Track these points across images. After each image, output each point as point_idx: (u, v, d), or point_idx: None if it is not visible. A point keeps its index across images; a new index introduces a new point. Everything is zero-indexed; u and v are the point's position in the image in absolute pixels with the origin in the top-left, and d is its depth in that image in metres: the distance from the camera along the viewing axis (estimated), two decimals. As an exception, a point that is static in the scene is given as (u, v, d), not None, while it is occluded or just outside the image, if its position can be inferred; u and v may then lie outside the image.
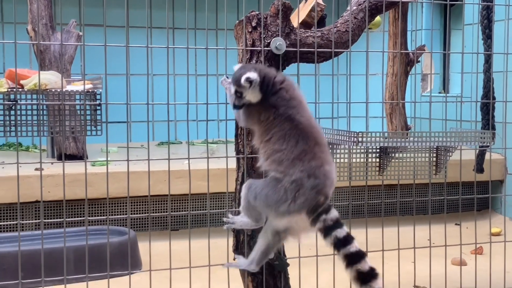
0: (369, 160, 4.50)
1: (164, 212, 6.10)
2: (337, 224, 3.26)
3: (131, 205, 6.06)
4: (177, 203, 6.14)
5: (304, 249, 3.79)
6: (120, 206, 6.09)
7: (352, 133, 4.16)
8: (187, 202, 5.92)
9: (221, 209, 6.11)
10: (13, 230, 6.26)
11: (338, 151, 4.31)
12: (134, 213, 6.09)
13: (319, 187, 3.24)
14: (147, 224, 6.66)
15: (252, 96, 3.30)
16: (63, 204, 3.45)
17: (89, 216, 3.61)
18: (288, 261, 3.82)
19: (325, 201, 3.27)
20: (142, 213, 6.73)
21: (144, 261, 5.23)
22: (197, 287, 3.82)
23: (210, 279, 3.71)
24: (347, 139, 4.20)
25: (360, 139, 4.14)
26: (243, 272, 3.81)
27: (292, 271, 3.87)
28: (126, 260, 3.78)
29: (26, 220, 5.87)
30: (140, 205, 6.14)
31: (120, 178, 5.59)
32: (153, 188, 3.62)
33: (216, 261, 3.69)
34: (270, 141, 3.29)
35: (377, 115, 6.59)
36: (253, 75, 3.28)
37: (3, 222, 5.70)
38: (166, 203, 6.08)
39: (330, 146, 4.23)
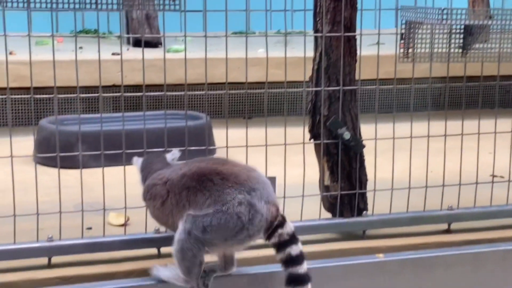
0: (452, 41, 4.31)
1: (239, 99, 6.13)
2: (293, 238, 3.14)
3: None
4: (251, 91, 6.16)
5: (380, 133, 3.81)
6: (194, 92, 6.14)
7: (436, 9, 3.99)
8: (261, 91, 5.94)
9: (296, 98, 6.12)
10: (93, 111, 6.46)
11: (420, 30, 4.14)
12: (208, 100, 6.14)
13: (265, 197, 3.11)
14: (222, 111, 6.74)
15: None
16: (143, 87, 3.50)
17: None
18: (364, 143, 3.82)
19: (277, 213, 3.16)
20: (216, 100, 6.81)
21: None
22: (273, 171, 3.89)
23: (285, 162, 3.75)
24: (430, 17, 4.02)
25: (444, 16, 3.95)
26: (318, 154, 3.84)
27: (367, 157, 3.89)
28: (200, 144, 3.85)
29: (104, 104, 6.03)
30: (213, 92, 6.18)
31: (195, 64, 5.61)
32: (228, 75, 3.66)
33: (291, 147, 3.72)
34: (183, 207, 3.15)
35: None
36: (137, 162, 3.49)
37: (84, 104, 5.87)
38: (240, 91, 6.09)
39: (412, 25, 4.06)
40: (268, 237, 3.13)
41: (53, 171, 4.70)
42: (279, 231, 3.11)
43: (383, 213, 3.92)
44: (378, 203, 3.90)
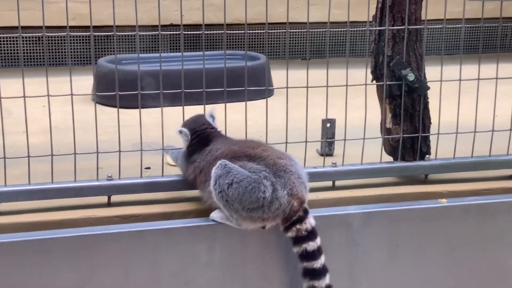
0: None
1: (297, 39, 6.01)
2: (311, 235, 3.05)
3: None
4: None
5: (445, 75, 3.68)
6: (255, 31, 6.04)
7: None
8: (321, 32, 5.80)
9: (357, 39, 5.96)
10: (151, 51, 6.44)
11: None
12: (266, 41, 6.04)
13: (289, 188, 3.05)
14: (279, 52, 6.63)
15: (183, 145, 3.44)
16: (203, 26, 3.43)
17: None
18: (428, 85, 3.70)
19: (300, 207, 3.07)
20: (273, 40, 6.69)
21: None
22: (333, 113, 3.81)
23: (346, 104, 3.66)
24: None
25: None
26: (381, 96, 3.75)
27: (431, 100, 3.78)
28: (258, 84, 3.78)
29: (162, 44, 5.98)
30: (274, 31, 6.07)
31: (254, 2, 5.49)
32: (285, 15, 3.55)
33: (352, 89, 3.63)
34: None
35: None
36: (184, 131, 3.39)
37: (141, 43, 5.84)
38: (298, 32, 5.98)
39: None
40: (285, 230, 3.10)
41: (112, 110, 4.74)
42: (297, 226, 3.07)
43: (447, 158, 3.81)
44: (442, 148, 3.79)
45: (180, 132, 3.40)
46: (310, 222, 3.09)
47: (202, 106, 3.52)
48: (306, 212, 3.09)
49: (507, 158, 3.84)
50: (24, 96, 3.34)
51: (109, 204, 3.48)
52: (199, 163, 3.32)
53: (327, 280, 3.08)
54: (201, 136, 3.40)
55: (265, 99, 3.73)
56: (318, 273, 3.05)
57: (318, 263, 3.06)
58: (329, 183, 3.71)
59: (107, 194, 3.47)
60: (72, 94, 3.40)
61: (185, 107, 3.58)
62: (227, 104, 3.52)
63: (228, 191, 3.04)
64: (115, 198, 3.50)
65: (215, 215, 3.21)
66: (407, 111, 3.72)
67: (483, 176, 3.85)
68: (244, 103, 3.54)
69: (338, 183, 3.73)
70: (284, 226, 3.09)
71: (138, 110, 3.49)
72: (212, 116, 3.49)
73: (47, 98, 3.38)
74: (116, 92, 3.43)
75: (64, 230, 3.18)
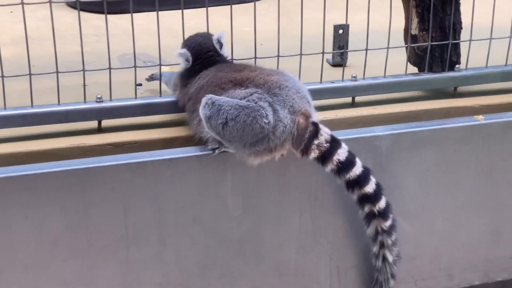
0: None
1: None
2: (334, 143, 2.68)
3: None
4: None
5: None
6: None
7: None
8: None
9: None
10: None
11: None
12: None
13: (289, 105, 2.63)
14: None
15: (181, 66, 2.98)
16: None
17: None
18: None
19: (307, 122, 2.64)
20: None
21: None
22: (340, 16, 3.34)
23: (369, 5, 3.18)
24: None
25: None
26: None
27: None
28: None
29: None
30: None
31: None
32: None
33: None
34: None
35: None
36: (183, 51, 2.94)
37: None
38: None
39: None
40: (305, 153, 2.69)
41: (90, 16, 4.19)
42: (315, 142, 2.67)
43: (478, 67, 3.40)
44: (473, 56, 3.36)
45: (181, 54, 2.94)
46: (326, 131, 2.71)
47: (181, 11, 2.97)
48: (316, 125, 2.69)
49: (546, 66, 3.45)
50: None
51: (99, 130, 3.01)
52: (189, 88, 2.90)
53: (373, 180, 2.76)
54: (205, 64, 2.94)
55: (259, 2, 3.21)
56: (364, 178, 2.72)
57: (358, 168, 2.72)
58: (349, 100, 3.27)
59: (97, 118, 2.99)
60: (50, 1, 2.85)
61: (169, 11, 3.12)
62: (216, 8, 3.04)
63: (224, 131, 2.61)
64: (106, 122, 3.03)
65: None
66: (436, 15, 3.26)
67: (519, 87, 3.47)
68: (236, 6, 3.05)
69: (358, 99, 3.29)
70: (301, 150, 2.69)
71: (118, 16, 2.95)
72: (220, 43, 3.00)
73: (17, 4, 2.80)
74: (103, -5, 2.88)
75: (51, 164, 2.72)
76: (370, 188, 2.75)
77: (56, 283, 2.76)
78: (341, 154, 2.70)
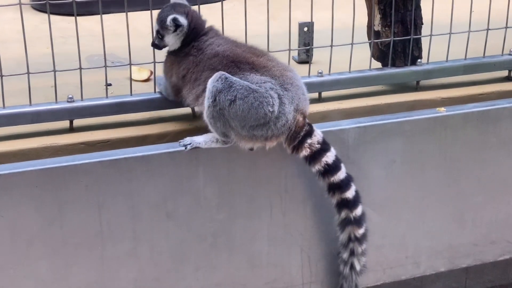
0: None
1: None
2: (325, 146, 2.79)
3: None
4: None
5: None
6: None
7: None
8: None
9: None
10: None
11: None
12: None
13: (295, 103, 2.74)
14: None
15: (172, 42, 2.88)
16: None
17: None
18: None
19: (304, 122, 2.77)
20: None
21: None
22: (304, 14, 3.41)
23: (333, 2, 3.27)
24: None
25: None
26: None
27: None
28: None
29: None
30: None
31: None
32: None
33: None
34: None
35: None
36: (182, 19, 2.82)
37: None
38: None
39: None
40: (297, 150, 2.78)
41: (55, 18, 4.19)
42: (308, 141, 2.77)
43: (439, 61, 3.50)
44: (434, 51, 3.46)
45: (174, 20, 2.82)
46: (318, 133, 2.81)
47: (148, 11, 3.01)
48: (310, 126, 2.79)
49: (502, 59, 3.58)
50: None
51: (71, 130, 3.05)
52: (195, 56, 2.85)
53: (353, 187, 2.85)
54: (198, 31, 2.89)
55: (225, 1, 3.25)
56: (347, 183, 2.82)
57: (342, 173, 2.81)
58: (315, 95, 3.35)
59: (69, 118, 3.03)
60: (20, 4, 2.88)
61: (134, 12, 3.17)
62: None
63: (230, 108, 2.65)
64: (77, 122, 3.06)
65: (198, 140, 2.83)
66: (398, 11, 3.36)
67: (477, 79, 3.58)
68: (203, 6, 3.07)
69: (324, 94, 3.38)
70: (293, 146, 2.78)
71: (84, 17, 2.98)
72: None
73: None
74: (71, -4, 2.91)
75: (24, 163, 2.74)
76: (350, 194, 2.84)
77: (32, 281, 2.79)
78: (330, 157, 2.79)
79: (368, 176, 3.13)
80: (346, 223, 2.89)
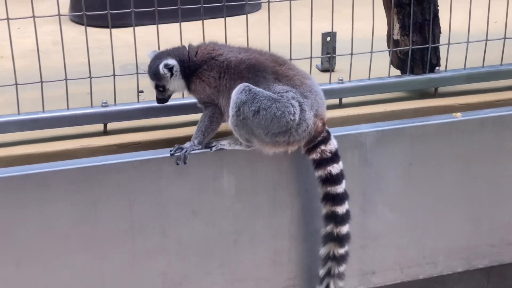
0: None
1: None
2: (335, 157, 2.91)
3: None
4: None
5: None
6: None
7: None
8: None
9: None
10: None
11: None
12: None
13: (315, 109, 2.88)
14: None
15: (176, 84, 2.98)
16: None
17: None
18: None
19: (323, 128, 2.91)
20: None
21: None
22: (327, 25, 3.57)
23: (353, 14, 3.43)
24: None
25: None
26: (388, 5, 3.55)
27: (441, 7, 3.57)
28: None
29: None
30: None
31: None
32: None
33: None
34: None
35: None
36: (170, 61, 2.93)
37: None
38: None
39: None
40: (309, 152, 2.93)
41: (92, 30, 4.41)
42: (322, 147, 2.91)
43: (457, 69, 3.63)
44: (451, 58, 3.59)
45: (166, 66, 2.95)
46: (334, 143, 2.95)
47: (179, 23, 3.21)
48: (328, 133, 2.94)
49: (519, 67, 3.68)
50: (8, 19, 3.04)
51: (105, 133, 3.25)
52: (220, 65, 2.95)
53: (346, 205, 2.94)
54: (192, 55, 3.01)
55: (252, 14, 3.44)
56: (341, 198, 2.92)
57: (341, 188, 2.92)
58: (336, 101, 3.51)
59: (103, 121, 3.24)
60: (59, 15, 3.10)
61: (167, 24, 3.34)
62: (211, 20, 3.29)
63: (253, 118, 2.82)
64: (111, 125, 3.27)
65: (223, 142, 3.02)
66: (416, 21, 3.50)
67: (495, 87, 3.69)
68: (231, 18, 3.27)
69: (345, 100, 3.53)
70: (307, 148, 2.94)
71: (119, 29, 3.17)
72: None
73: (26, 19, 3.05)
74: (108, 11, 3.13)
75: (62, 162, 2.95)
76: (340, 210, 2.92)
77: (68, 273, 2.99)
78: (335, 168, 2.91)
79: (386, 178, 3.27)
80: (329, 238, 2.96)
